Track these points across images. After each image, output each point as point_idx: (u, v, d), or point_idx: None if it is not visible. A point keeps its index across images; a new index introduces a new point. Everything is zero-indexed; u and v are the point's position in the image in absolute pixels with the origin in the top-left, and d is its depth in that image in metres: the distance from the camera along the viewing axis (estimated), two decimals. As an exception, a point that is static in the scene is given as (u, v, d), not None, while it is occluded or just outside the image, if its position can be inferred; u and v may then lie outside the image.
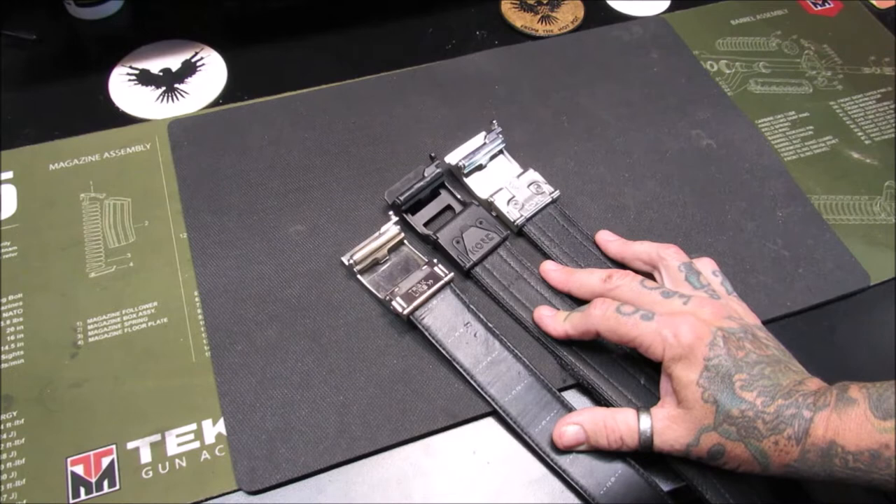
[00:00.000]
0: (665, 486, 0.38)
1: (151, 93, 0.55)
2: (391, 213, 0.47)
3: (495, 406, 0.40)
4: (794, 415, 0.33)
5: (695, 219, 0.49)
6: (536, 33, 0.61)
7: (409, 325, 0.43)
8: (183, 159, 0.50)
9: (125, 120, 0.54)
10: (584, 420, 0.38)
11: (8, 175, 0.49)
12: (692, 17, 0.63)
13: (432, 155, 0.47)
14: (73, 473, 0.38)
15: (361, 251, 0.44)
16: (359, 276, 0.44)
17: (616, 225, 0.48)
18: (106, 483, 0.38)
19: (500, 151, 0.50)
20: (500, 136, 0.50)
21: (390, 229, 0.45)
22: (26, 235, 0.47)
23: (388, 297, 0.42)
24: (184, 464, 0.38)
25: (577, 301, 0.44)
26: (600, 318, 0.39)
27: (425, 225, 0.47)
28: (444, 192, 0.48)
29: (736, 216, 0.49)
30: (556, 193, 0.48)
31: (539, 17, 0.62)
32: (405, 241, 0.46)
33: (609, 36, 0.60)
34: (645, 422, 0.37)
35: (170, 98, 0.55)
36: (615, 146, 0.53)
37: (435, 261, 0.44)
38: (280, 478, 0.38)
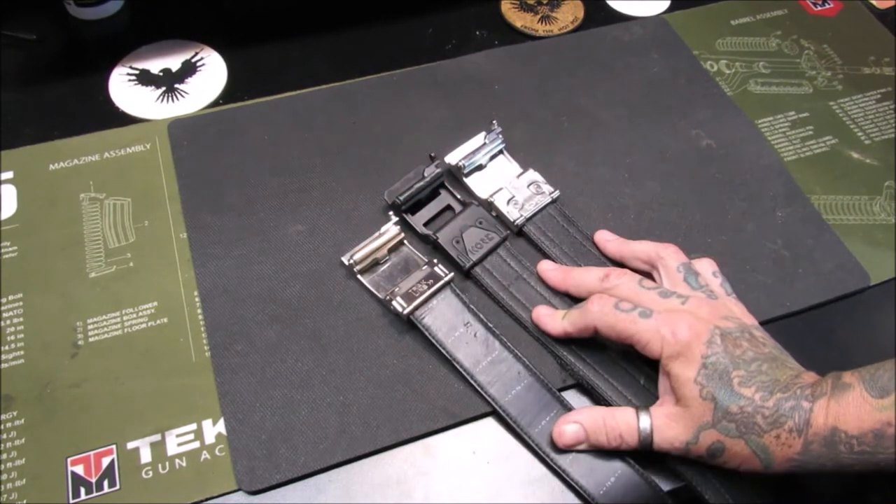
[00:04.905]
0: (665, 486, 0.38)
1: (151, 93, 0.55)
2: (391, 213, 0.47)
3: (495, 406, 0.40)
4: (794, 407, 0.33)
5: (695, 219, 0.49)
6: (536, 33, 0.61)
7: (409, 324, 0.43)
8: (183, 159, 0.50)
9: (125, 120, 0.54)
10: (583, 419, 0.38)
11: (8, 175, 0.49)
12: (692, 17, 0.63)
13: (432, 155, 0.47)
14: (73, 473, 0.38)
15: (361, 251, 0.44)
16: (359, 276, 0.44)
17: (616, 225, 0.48)
18: (106, 483, 0.38)
19: (500, 151, 0.50)
20: (500, 136, 0.50)
21: (390, 229, 0.45)
22: (26, 235, 0.47)
23: (388, 297, 0.42)
24: (184, 464, 0.38)
25: (576, 300, 0.44)
26: (598, 315, 0.39)
27: (425, 225, 0.47)
28: (444, 192, 0.48)
29: (736, 216, 0.49)
30: (556, 193, 0.48)
31: (539, 17, 0.62)
32: (405, 241, 0.46)
33: (609, 36, 0.60)
34: (644, 420, 0.37)
35: (170, 98, 0.55)
36: (615, 146, 0.53)
37: (435, 261, 0.44)
38: (280, 478, 0.38)
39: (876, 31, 0.63)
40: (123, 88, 0.56)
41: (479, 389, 0.40)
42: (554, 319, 0.42)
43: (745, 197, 0.50)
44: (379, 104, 0.54)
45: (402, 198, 0.46)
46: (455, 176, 0.50)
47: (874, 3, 0.66)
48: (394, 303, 0.42)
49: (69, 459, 0.38)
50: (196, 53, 0.58)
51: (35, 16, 0.59)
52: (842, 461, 0.33)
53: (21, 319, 0.43)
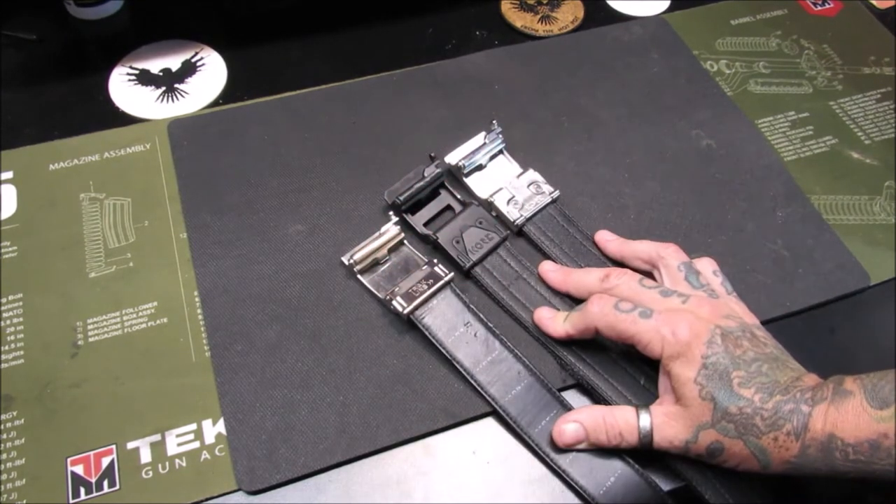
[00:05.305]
0: (664, 486, 0.38)
1: (151, 93, 0.55)
2: (391, 213, 0.47)
3: (495, 406, 0.40)
4: (793, 410, 0.33)
5: (695, 219, 0.49)
6: (536, 33, 0.61)
7: (409, 324, 0.43)
8: (183, 159, 0.50)
9: (125, 120, 0.54)
10: (583, 418, 0.38)
11: (8, 175, 0.49)
12: (692, 17, 0.63)
13: (432, 155, 0.47)
14: (73, 473, 0.38)
15: (361, 251, 0.44)
16: (359, 276, 0.44)
17: (616, 225, 0.48)
18: (106, 483, 0.38)
19: (500, 151, 0.50)
20: (500, 136, 0.50)
21: (390, 229, 0.45)
22: (26, 235, 0.47)
23: (388, 297, 0.42)
24: (184, 464, 0.38)
25: (576, 301, 0.44)
26: (598, 315, 0.39)
27: (425, 225, 0.47)
28: (444, 192, 0.48)
29: (736, 216, 0.49)
30: (556, 193, 0.48)
31: (539, 17, 0.62)
32: (405, 241, 0.46)
33: (609, 36, 0.60)
34: (644, 418, 0.37)
35: (170, 98, 0.55)
36: (615, 146, 0.53)
37: (435, 261, 0.44)
38: (280, 478, 0.38)
39: (876, 31, 0.63)
40: (123, 88, 0.56)
41: (479, 389, 0.40)
42: (555, 322, 0.42)
43: (745, 197, 0.50)
44: (379, 104, 0.54)
45: (402, 198, 0.46)
46: (455, 176, 0.50)
47: (874, 3, 0.66)
48: (394, 303, 0.42)
49: (69, 459, 0.38)
50: (196, 53, 0.58)
51: (35, 16, 0.59)
52: (837, 467, 0.33)
53: (21, 319, 0.43)
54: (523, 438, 0.39)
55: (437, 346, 0.41)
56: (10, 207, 0.48)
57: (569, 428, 0.38)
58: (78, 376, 0.41)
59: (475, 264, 0.45)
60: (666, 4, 0.64)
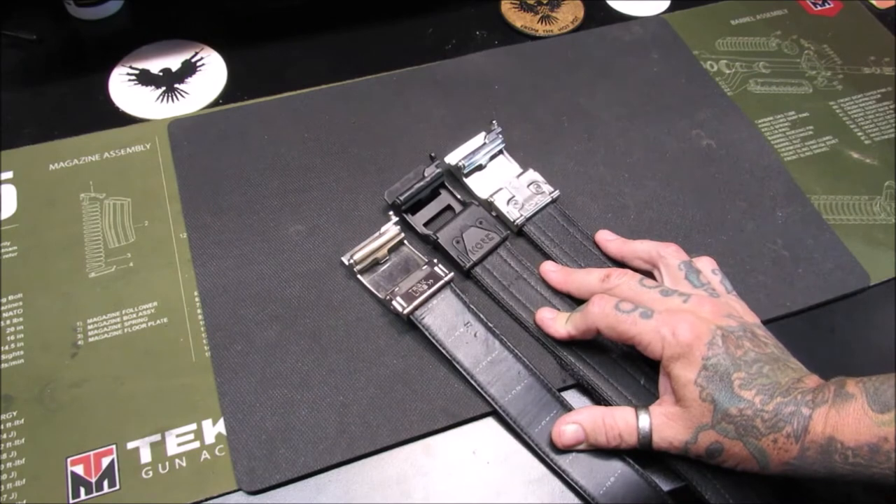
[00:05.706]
0: (665, 486, 0.38)
1: (151, 93, 0.55)
2: (391, 213, 0.47)
3: (495, 406, 0.40)
4: (793, 412, 0.33)
5: (695, 219, 0.49)
6: (536, 33, 0.61)
7: (409, 324, 0.43)
8: (183, 159, 0.50)
9: (125, 120, 0.54)
10: (582, 419, 0.38)
11: (8, 175, 0.49)
12: (692, 17, 0.63)
13: (432, 155, 0.47)
14: (73, 473, 0.38)
15: (361, 251, 0.44)
16: (359, 276, 0.44)
17: (616, 225, 0.48)
18: (106, 483, 0.38)
19: (500, 151, 0.50)
20: (500, 136, 0.50)
21: (390, 229, 0.45)
22: (26, 235, 0.47)
23: (388, 297, 0.42)
24: (184, 464, 0.38)
25: (577, 301, 0.44)
26: (599, 315, 0.39)
27: (425, 225, 0.47)
28: (444, 192, 0.48)
29: (736, 216, 0.49)
30: (556, 193, 0.48)
31: (539, 17, 0.62)
32: (405, 241, 0.46)
33: (609, 36, 0.60)
34: (644, 419, 0.37)
35: (170, 98, 0.55)
36: (615, 146, 0.53)
37: (435, 261, 0.44)
38: (280, 478, 0.38)
39: (876, 31, 0.63)
40: (123, 88, 0.56)
41: (479, 389, 0.40)
42: (557, 323, 0.42)
43: (745, 197, 0.50)
44: (379, 104, 0.54)
45: (402, 198, 0.46)
46: (455, 176, 0.50)
47: (874, 3, 0.66)
48: (394, 303, 0.42)
49: (69, 459, 0.38)
50: (196, 53, 0.58)
51: (35, 16, 0.59)
52: (835, 470, 0.33)
53: (21, 319, 0.43)
54: (523, 438, 0.39)
55: (437, 346, 0.41)
56: (10, 207, 0.48)
57: (568, 429, 0.38)
58: (78, 376, 0.41)
59: (475, 264, 0.45)
60: (666, 4, 0.64)
